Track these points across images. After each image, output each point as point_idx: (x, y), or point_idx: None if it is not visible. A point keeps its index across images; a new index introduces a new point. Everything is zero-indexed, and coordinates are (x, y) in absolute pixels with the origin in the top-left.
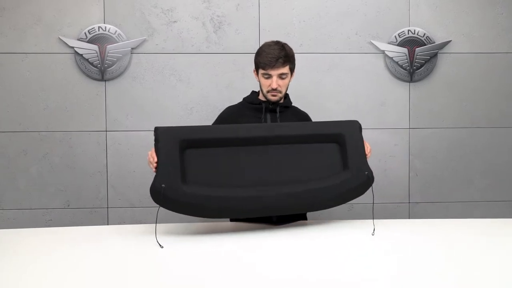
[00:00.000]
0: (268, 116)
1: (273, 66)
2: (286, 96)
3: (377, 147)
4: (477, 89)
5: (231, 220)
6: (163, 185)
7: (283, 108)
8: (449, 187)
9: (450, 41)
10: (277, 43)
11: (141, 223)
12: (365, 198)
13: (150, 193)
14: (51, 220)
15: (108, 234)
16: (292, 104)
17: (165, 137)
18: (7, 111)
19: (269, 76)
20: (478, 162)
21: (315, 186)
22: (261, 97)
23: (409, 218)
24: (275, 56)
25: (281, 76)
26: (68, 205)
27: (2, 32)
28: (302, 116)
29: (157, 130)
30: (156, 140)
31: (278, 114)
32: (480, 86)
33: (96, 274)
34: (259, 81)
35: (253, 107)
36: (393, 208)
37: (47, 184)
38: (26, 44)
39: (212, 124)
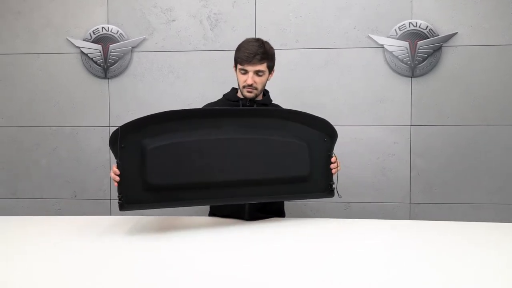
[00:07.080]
0: None
1: (250, 61)
2: (266, 93)
3: (375, 145)
4: (486, 84)
5: (209, 215)
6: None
7: (261, 106)
8: (453, 188)
9: (456, 33)
10: (258, 40)
11: (141, 215)
12: (363, 197)
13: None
14: (60, 209)
15: (110, 224)
16: (273, 102)
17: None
18: (23, 108)
19: (245, 72)
20: (486, 162)
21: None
22: (239, 94)
23: (409, 219)
24: (253, 52)
25: (257, 73)
26: (75, 196)
27: (18, 34)
28: None
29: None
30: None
31: None
32: (489, 80)
33: (98, 258)
34: (237, 77)
35: (230, 104)
36: (392, 209)
37: (56, 176)
38: (38, 45)
39: None
